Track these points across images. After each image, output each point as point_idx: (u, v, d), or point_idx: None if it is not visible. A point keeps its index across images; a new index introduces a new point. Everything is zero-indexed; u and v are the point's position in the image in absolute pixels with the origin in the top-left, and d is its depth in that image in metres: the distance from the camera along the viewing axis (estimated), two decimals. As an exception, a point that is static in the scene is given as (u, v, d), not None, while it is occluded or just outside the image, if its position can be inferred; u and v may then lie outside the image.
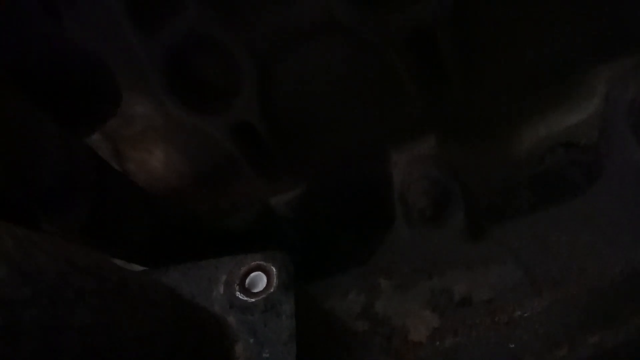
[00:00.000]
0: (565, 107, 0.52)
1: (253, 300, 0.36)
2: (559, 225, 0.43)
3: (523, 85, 0.54)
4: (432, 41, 0.53)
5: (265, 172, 0.64)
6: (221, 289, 0.37)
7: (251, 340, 0.35)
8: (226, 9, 0.53)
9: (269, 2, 0.52)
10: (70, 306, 0.24)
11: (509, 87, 0.54)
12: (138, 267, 0.58)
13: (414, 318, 0.42)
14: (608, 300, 0.37)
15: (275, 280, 0.36)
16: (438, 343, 0.39)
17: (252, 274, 0.37)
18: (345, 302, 0.48)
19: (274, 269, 0.37)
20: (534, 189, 0.52)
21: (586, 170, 0.49)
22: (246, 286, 0.37)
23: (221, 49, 0.55)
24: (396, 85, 0.56)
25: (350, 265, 0.55)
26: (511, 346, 0.38)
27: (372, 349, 0.41)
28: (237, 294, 0.36)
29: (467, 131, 0.57)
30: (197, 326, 0.33)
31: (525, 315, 0.38)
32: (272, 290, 0.36)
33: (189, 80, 0.57)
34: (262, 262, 0.37)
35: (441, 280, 0.44)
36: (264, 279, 0.37)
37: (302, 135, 0.61)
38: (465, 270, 0.44)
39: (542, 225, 0.44)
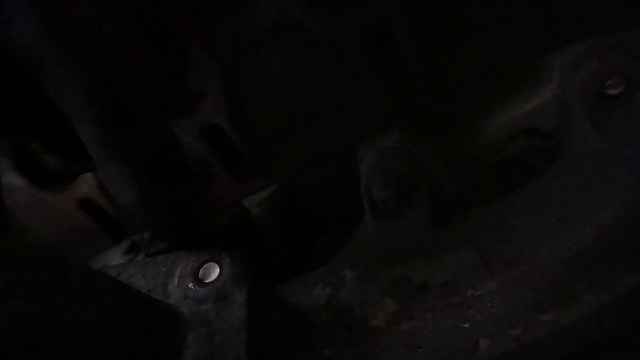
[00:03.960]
0: (524, 95, 0.53)
1: (205, 290, 0.36)
2: (515, 209, 0.43)
3: (482, 76, 0.55)
4: (389, 37, 0.54)
5: (238, 174, 0.64)
6: (176, 282, 0.38)
7: (203, 330, 0.35)
8: (187, 15, 0.54)
9: (228, 6, 0.53)
10: (1, 295, 0.25)
11: (468, 79, 0.55)
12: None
13: (374, 306, 0.42)
14: (560, 279, 0.37)
15: (227, 271, 0.37)
16: (395, 327, 0.40)
17: (205, 266, 0.38)
18: (311, 295, 0.48)
19: (227, 260, 0.37)
20: (497, 177, 0.52)
21: (547, 155, 0.49)
22: (199, 277, 0.37)
23: (185, 54, 0.56)
24: (359, 82, 0.57)
25: (325, 260, 0.56)
26: (465, 325, 0.38)
27: (333, 338, 0.42)
28: (190, 285, 0.37)
29: (430, 124, 0.57)
30: (145, 317, 0.33)
31: (478, 296, 0.38)
32: (224, 281, 0.37)
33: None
34: (215, 255, 0.38)
35: (402, 268, 0.44)
36: (217, 270, 0.37)
37: (271, 135, 0.62)
38: (424, 258, 0.44)
39: (500, 210, 0.44)
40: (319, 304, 0.46)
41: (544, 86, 0.52)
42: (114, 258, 0.60)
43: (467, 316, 0.38)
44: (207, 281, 0.37)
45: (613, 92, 0.45)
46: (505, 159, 0.53)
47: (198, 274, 0.37)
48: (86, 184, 0.67)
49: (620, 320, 0.38)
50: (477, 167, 0.55)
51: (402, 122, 0.58)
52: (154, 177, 0.43)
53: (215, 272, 0.37)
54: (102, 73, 0.33)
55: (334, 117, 0.61)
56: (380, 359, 0.39)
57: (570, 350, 0.39)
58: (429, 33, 0.54)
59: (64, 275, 0.28)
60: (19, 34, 0.32)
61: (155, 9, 0.44)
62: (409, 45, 0.54)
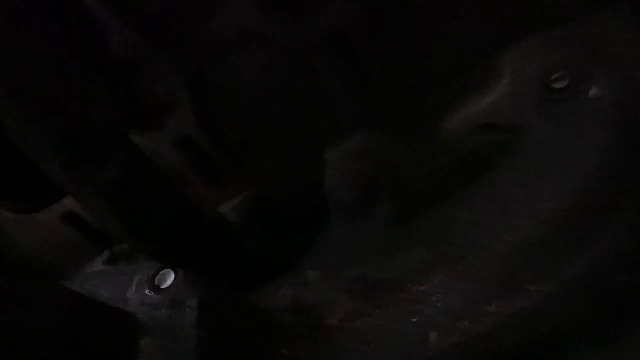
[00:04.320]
0: (481, 91, 0.54)
1: (160, 296, 0.38)
2: (465, 204, 0.44)
3: (440, 74, 0.56)
4: (347, 42, 0.55)
5: (212, 181, 0.66)
6: (134, 289, 0.39)
7: (157, 334, 0.37)
8: (149, 30, 0.56)
9: (188, 18, 0.55)
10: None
11: (427, 78, 0.56)
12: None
13: (332, 305, 0.44)
14: (503, 271, 0.39)
15: (181, 277, 0.39)
16: (349, 325, 0.41)
17: (162, 272, 0.39)
18: (277, 297, 0.50)
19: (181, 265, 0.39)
20: (460, 173, 0.53)
21: (504, 150, 0.50)
22: (156, 284, 0.39)
23: (150, 68, 0.58)
24: (324, 87, 0.58)
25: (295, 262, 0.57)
26: (414, 320, 0.39)
27: (293, 338, 0.43)
28: (147, 291, 0.39)
29: (393, 124, 0.59)
30: (99, 325, 0.35)
31: (424, 290, 0.39)
32: (178, 286, 0.38)
33: (129, 103, 0.60)
34: (171, 261, 0.40)
35: (360, 267, 0.46)
36: (172, 276, 0.39)
37: (243, 142, 0.64)
38: (381, 255, 0.45)
39: (451, 206, 0.46)
40: (283, 305, 0.48)
41: (498, 82, 0.53)
42: (94, 269, 0.62)
43: (415, 311, 0.39)
44: (162, 287, 0.39)
45: (559, 85, 0.46)
46: (466, 155, 0.54)
47: (154, 280, 0.39)
48: (69, 198, 0.69)
49: (566, 309, 0.39)
50: (441, 164, 0.56)
51: (367, 123, 0.60)
52: (122, 195, 0.45)
53: (170, 278, 0.39)
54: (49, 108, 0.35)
55: (303, 122, 0.63)
56: (335, 355, 0.41)
57: (518, 340, 0.40)
58: (386, 36, 0.55)
59: (12, 290, 0.30)
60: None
61: (100, 39, 0.45)
62: (367, 49, 0.55)
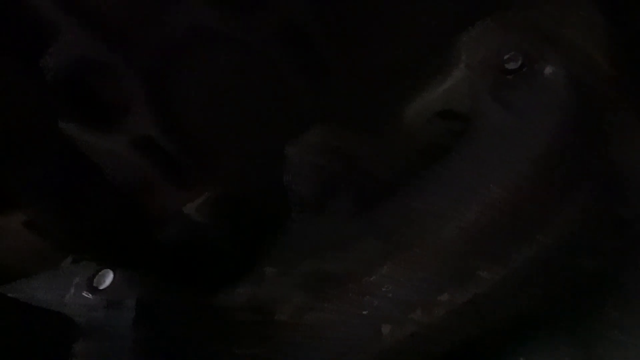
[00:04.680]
0: (438, 78, 0.53)
1: (98, 297, 0.37)
2: (418, 192, 0.43)
3: (397, 63, 0.55)
4: (303, 35, 0.54)
5: (177, 182, 0.65)
6: (72, 291, 0.38)
7: (94, 336, 0.35)
8: (102, 30, 0.55)
9: (141, 17, 0.54)
10: None
11: (384, 70, 0.55)
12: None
13: (284, 301, 0.42)
14: (453, 258, 0.37)
15: (120, 277, 0.37)
16: (300, 320, 0.40)
17: (100, 273, 0.38)
18: (234, 294, 0.49)
19: (121, 267, 0.38)
20: (416, 162, 0.52)
21: (459, 136, 0.49)
22: (94, 285, 0.38)
23: (106, 69, 0.57)
24: (280, 81, 0.57)
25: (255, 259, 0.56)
26: (364, 313, 0.38)
27: (245, 336, 0.42)
28: (84, 293, 0.37)
29: (352, 116, 0.57)
30: (34, 329, 0.34)
31: (373, 281, 0.38)
32: (116, 287, 0.37)
33: (82, 102, 0.59)
34: (110, 262, 0.39)
35: (315, 261, 0.44)
36: (111, 276, 0.38)
37: (205, 140, 0.62)
38: (336, 249, 0.44)
39: (406, 194, 0.44)
40: (240, 303, 0.46)
41: (454, 68, 0.52)
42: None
43: (365, 303, 0.38)
44: (100, 288, 0.37)
45: (512, 66, 0.45)
46: (426, 143, 0.53)
47: (93, 282, 0.38)
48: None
49: (519, 295, 0.38)
50: (400, 153, 0.55)
51: (326, 117, 0.59)
52: (57, 193, 0.44)
53: (109, 279, 0.38)
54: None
55: (264, 118, 0.61)
56: (285, 352, 0.39)
57: (473, 328, 0.39)
58: (341, 28, 0.54)
59: None
60: None
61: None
62: (323, 42, 0.54)
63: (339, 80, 0.57)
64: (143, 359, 0.34)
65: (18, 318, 0.34)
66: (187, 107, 0.60)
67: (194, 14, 0.52)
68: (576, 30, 0.46)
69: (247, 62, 0.57)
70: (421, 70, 0.56)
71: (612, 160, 0.47)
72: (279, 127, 0.63)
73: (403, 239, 0.39)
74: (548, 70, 0.44)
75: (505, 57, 0.45)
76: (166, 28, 0.54)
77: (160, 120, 0.59)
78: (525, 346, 0.40)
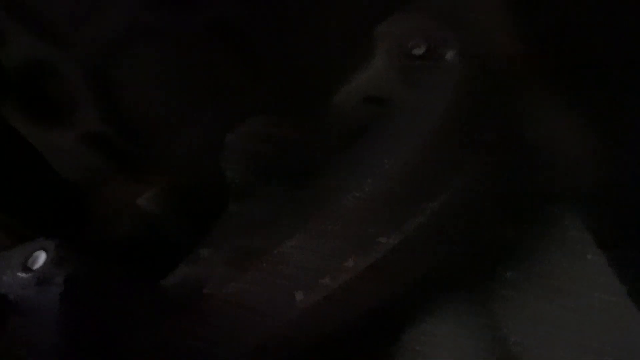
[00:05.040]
0: (363, 66, 0.56)
1: (30, 276, 0.40)
2: (331, 172, 0.47)
3: (326, 55, 0.58)
4: (235, 30, 0.57)
5: (130, 174, 0.68)
6: (8, 272, 0.41)
7: (24, 310, 0.39)
8: (47, 32, 0.58)
9: (80, 15, 0.57)
10: None
11: (313, 60, 0.58)
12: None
13: (212, 276, 0.46)
14: (353, 227, 0.41)
15: (51, 256, 0.40)
16: (223, 291, 0.43)
17: (34, 254, 0.41)
18: (174, 276, 0.52)
19: (53, 247, 0.41)
20: (343, 145, 0.56)
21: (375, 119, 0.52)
22: (28, 266, 0.41)
23: (52, 68, 0.60)
24: (218, 73, 0.61)
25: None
26: (278, 281, 0.41)
27: (176, 311, 0.45)
28: (19, 273, 0.41)
29: (288, 105, 0.61)
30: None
31: (284, 252, 0.42)
32: (47, 266, 0.40)
33: (31, 101, 0.62)
34: (44, 242, 0.42)
35: (240, 240, 0.48)
36: (44, 256, 0.41)
37: (153, 132, 0.66)
38: (262, 228, 0.48)
39: (322, 174, 0.48)
40: (176, 283, 0.50)
41: (374, 55, 0.55)
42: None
43: (279, 272, 0.41)
44: (33, 268, 0.41)
45: (418, 52, 0.49)
46: (352, 128, 0.56)
47: (27, 262, 0.41)
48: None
49: (416, 259, 0.42)
50: (333, 138, 0.58)
51: (265, 105, 0.62)
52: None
53: (42, 259, 0.41)
54: None
55: (206, 110, 0.65)
56: (210, 322, 0.43)
57: (379, 292, 0.43)
58: (270, 21, 0.58)
59: None
60: None
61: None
62: (254, 35, 0.57)
63: (272, 71, 0.60)
64: (67, 330, 0.37)
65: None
66: (131, 102, 0.63)
67: (131, 13, 0.56)
68: (479, 13, 0.49)
69: (183, 57, 0.60)
70: (348, 59, 0.59)
71: (523, 135, 0.50)
72: (221, 118, 0.66)
73: (309, 212, 0.43)
74: (450, 54, 0.47)
75: (411, 43, 0.48)
76: (106, 27, 0.58)
77: (107, 116, 0.63)
78: (429, 310, 0.44)
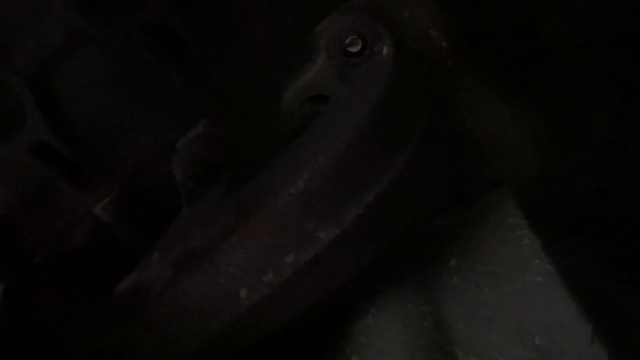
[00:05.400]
0: (306, 66, 0.57)
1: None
2: (271, 170, 0.47)
3: (268, 54, 0.59)
4: (171, 34, 0.57)
5: (82, 185, 0.68)
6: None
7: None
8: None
9: (19, 26, 0.56)
10: None
11: (257, 61, 0.59)
12: None
13: (156, 280, 0.46)
14: (291, 223, 0.41)
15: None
16: (166, 294, 0.43)
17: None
18: (126, 282, 0.52)
19: None
20: (286, 145, 0.56)
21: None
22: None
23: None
24: (160, 79, 0.61)
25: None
26: (221, 280, 0.42)
27: (122, 314, 0.45)
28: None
29: (233, 108, 0.61)
30: None
31: (224, 250, 0.42)
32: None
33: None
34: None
35: (187, 242, 0.48)
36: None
37: (100, 142, 0.65)
38: (204, 228, 0.48)
39: (264, 172, 0.49)
40: (126, 288, 0.50)
41: (316, 54, 0.56)
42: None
43: (220, 271, 0.42)
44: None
45: (354, 49, 0.50)
46: (297, 127, 0.57)
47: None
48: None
49: (356, 251, 0.42)
50: (278, 138, 0.59)
51: (209, 110, 0.62)
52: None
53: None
54: None
55: (153, 116, 0.65)
56: (154, 326, 0.43)
57: (323, 285, 0.43)
58: (207, 24, 0.58)
59: None
60: None
61: None
62: (192, 39, 0.58)
63: (215, 76, 0.61)
64: (9, 336, 0.37)
65: None
66: (76, 110, 0.63)
67: (68, 21, 0.55)
68: (411, 9, 0.50)
69: (122, 63, 0.60)
70: (291, 59, 0.60)
71: (459, 127, 0.52)
72: (169, 124, 0.66)
73: (247, 210, 0.43)
74: (385, 49, 0.48)
75: (347, 41, 0.49)
76: (44, 36, 0.57)
77: (53, 126, 0.62)
78: (373, 302, 0.44)
